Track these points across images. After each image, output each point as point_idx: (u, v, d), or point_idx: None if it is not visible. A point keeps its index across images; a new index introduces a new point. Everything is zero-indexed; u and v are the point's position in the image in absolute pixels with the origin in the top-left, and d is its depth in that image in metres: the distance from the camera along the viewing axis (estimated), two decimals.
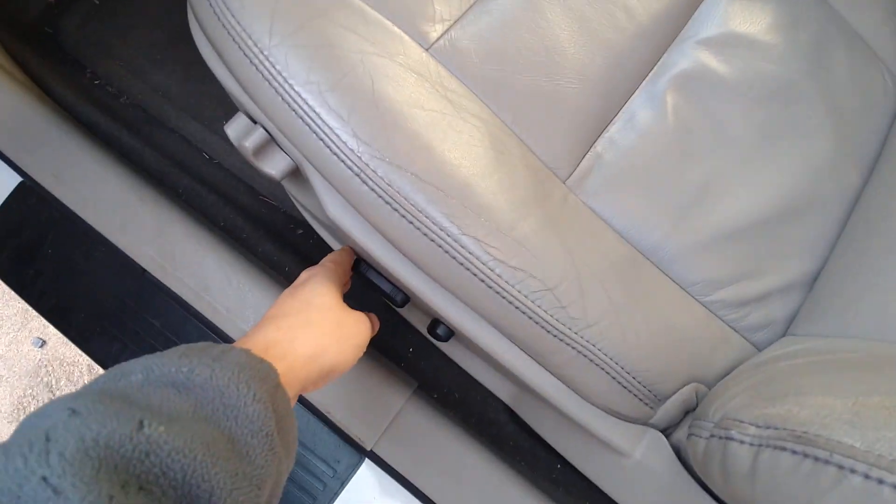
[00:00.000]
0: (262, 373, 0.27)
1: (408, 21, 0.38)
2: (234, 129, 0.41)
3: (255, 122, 0.41)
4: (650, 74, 0.45)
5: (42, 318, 0.95)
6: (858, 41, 0.52)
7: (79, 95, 0.70)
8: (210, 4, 0.35)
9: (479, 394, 0.58)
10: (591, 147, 0.43)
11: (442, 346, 0.57)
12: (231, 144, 0.71)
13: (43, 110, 0.63)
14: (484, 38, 0.40)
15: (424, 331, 0.56)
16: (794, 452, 0.25)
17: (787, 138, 0.46)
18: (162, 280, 0.56)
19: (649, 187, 0.44)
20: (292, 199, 0.52)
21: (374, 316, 0.45)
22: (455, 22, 0.39)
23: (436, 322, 0.48)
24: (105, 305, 0.59)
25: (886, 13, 0.54)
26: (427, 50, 0.38)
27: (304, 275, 0.41)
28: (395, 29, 0.37)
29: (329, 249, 0.65)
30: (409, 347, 0.61)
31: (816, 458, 0.24)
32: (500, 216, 0.37)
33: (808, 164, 0.46)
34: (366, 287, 0.49)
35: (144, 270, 0.57)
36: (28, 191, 0.61)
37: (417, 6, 0.38)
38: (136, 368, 0.25)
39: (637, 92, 0.45)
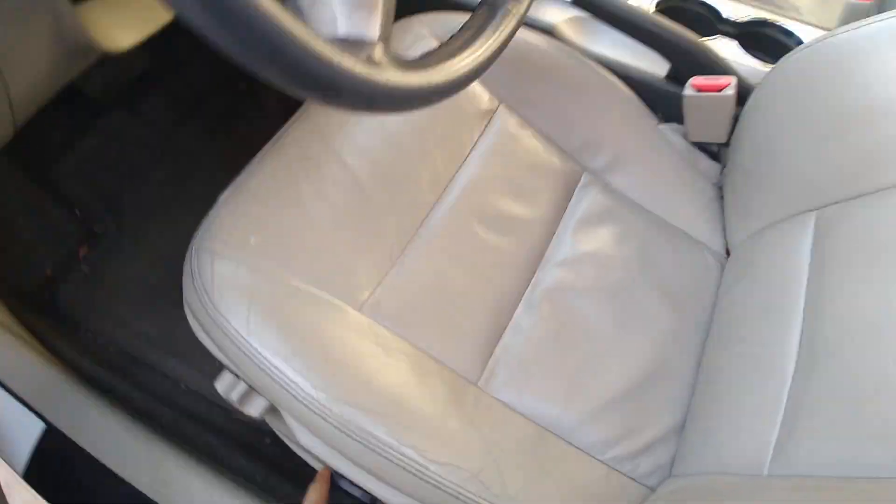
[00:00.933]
0: None
1: (343, 291, 0.55)
2: (222, 385, 0.55)
3: (237, 377, 0.55)
4: (526, 292, 0.63)
5: None
6: (679, 233, 0.72)
7: (78, 351, 0.82)
8: (201, 304, 0.51)
9: None
10: (491, 354, 0.59)
11: None
12: (202, 373, 0.84)
13: (55, 371, 0.75)
14: (398, 294, 0.57)
15: None
16: None
17: (635, 321, 0.63)
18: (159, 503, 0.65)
19: (542, 376, 0.59)
20: (271, 426, 0.64)
21: None
22: (377, 286, 0.57)
23: None
24: None
25: (703, 203, 0.76)
26: (359, 310, 0.55)
27: None
28: (335, 300, 0.54)
29: (298, 458, 0.76)
30: None
31: None
32: (428, 424, 0.50)
33: (655, 338, 0.63)
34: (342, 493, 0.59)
35: (147, 498, 0.66)
36: (52, 433, 0.71)
37: (349, 279, 0.56)
38: None
39: (519, 306, 0.62)
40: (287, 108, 1.09)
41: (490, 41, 0.41)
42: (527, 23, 0.76)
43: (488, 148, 0.69)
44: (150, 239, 0.97)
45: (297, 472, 0.74)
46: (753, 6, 0.82)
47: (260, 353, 0.49)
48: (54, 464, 0.71)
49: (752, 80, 0.70)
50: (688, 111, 0.71)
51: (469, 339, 0.58)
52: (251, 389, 0.54)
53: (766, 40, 0.80)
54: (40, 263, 0.91)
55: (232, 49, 0.27)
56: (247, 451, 0.77)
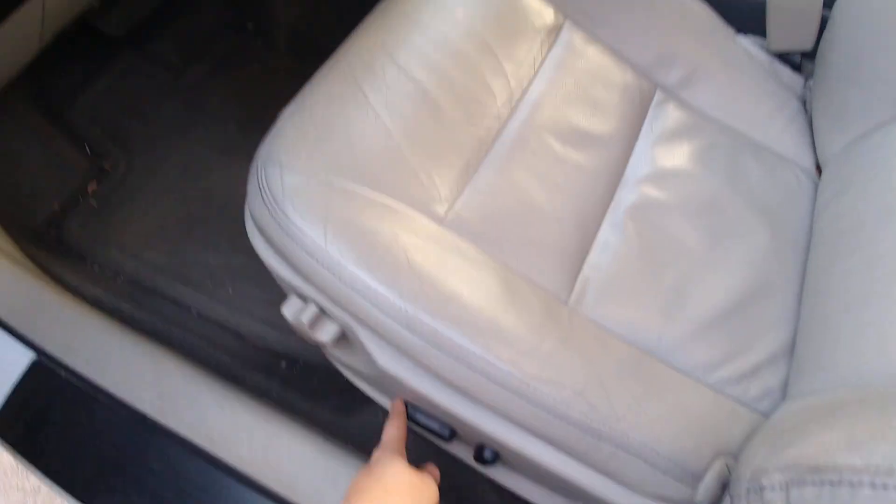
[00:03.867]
0: None
1: (422, 205, 0.49)
2: (290, 309, 0.49)
3: (305, 301, 0.49)
4: (609, 209, 0.57)
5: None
6: (764, 150, 0.66)
7: (82, 281, 0.79)
8: (272, 217, 0.45)
9: (466, 479, 0.60)
10: (579, 272, 0.53)
11: (489, 472, 0.60)
12: (214, 299, 0.80)
13: (51, 294, 0.70)
14: (479, 208, 0.51)
15: (471, 460, 0.60)
16: (814, 484, 0.31)
17: (730, 238, 0.57)
18: (161, 420, 0.60)
19: (634, 296, 0.53)
20: (334, 362, 0.58)
21: (433, 468, 0.50)
22: (455, 200, 0.51)
23: (481, 448, 0.52)
24: (107, 458, 0.61)
25: (787, 117, 0.68)
26: (440, 224, 0.49)
27: (374, 455, 0.46)
28: (414, 213, 0.48)
29: (317, 379, 0.70)
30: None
31: (832, 483, 0.30)
32: (525, 341, 0.44)
33: (753, 255, 0.56)
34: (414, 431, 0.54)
35: (144, 416, 0.61)
36: (39, 366, 0.66)
37: (427, 193, 0.50)
38: None
39: (603, 224, 0.56)
40: (297, 48, 1.05)
41: None
42: None
43: (557, 63, 0.62)
44: (159, 173, 0.94)
45: (316, 391, 0.69)
46: None
47: (341, 265, 0.43)
48: (36, 403, 0.65)
49: None
50: (772, 16, 0.64)
51: (554, 256, 0.52)
52: (322, 313, 0.49)
53: None
54: (48, 199, 0.88)
55: None
56: (261, 371, 0.72)
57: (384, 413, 0.64)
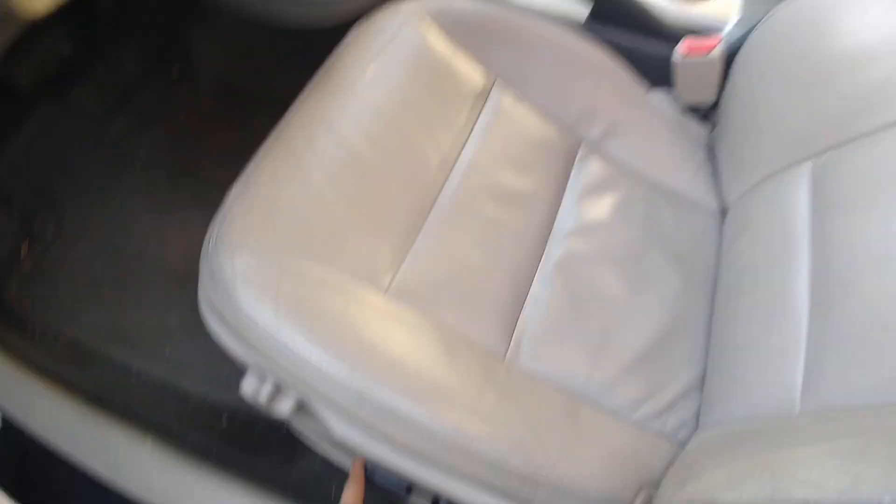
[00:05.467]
0: None
1: (368, 276, 0.55)
2: (248, 387, 0.54)
3: (263, 377, 0.54)
4: (540, 265, 0.65)
5: None
6: (676, 196, 0.76)
7: (26, 346, 0.82)
8: (223, 299, 0.50)
9: None
10: (514, 327, 0.60)
11: None
12: (152, 359, 0.85)
13: (6, 361, 0.76)
14: (420, 274, 0.58)
15: None
16: None
17: (646, 285, 0.66)
18: (113, 483, 0.66)
19: (564, 345, 0.61)
20: (296, 432, 0.64)
21: None
22: (398, 269, 0.57)
23: (436, 500, 0.59)
24: None
25: (695, 165, 0.79)
26: (385, 293, 0.55)
27: None
28: (361, 283, 0.55)
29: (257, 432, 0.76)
30: None
31: None
32: (466, 400, 0.51)
33: (666, 299, 0.66)
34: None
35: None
36: (9, 428, 0.71)
37: (372, 263, 0.56)
38: None
39: (535, 279, 0.64)
40: (223, 95, 1.09)
41: None
42: None
43: (487, 125, 0.70)
44: (90, 231, 0.97)
45: (257, 443, 0.76)
46: None
47: (294, 342, 0.49)
48: (13, 459, 0.72)
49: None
50: (678, 74, 0.74)
51: (492, 313, 0.59)
52: (279, 388, 0.54)
53: None
54: None
55: None
56: (202, 429, 0.78)
57: (324, 462, 0.70)
